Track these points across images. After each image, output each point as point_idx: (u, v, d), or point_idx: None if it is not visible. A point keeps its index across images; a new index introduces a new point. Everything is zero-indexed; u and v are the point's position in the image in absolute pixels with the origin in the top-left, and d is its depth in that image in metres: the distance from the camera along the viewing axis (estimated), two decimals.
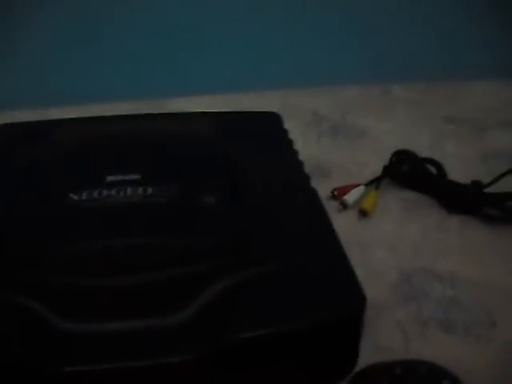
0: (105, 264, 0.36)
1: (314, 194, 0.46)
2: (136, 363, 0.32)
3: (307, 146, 0.57)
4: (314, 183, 0.47)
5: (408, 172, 0.58)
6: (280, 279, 0.36)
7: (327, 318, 0.34)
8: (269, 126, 0.56)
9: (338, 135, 0.70)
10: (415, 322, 0.42)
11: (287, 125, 0.56)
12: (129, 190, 0.41)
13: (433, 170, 0.58)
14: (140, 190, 0.41)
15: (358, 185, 0.58)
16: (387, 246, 0.50)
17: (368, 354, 0.37)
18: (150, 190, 0.41)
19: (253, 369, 0.33)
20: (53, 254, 0.36)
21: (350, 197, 0.56)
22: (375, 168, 0.60)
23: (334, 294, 0.35)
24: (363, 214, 0.55)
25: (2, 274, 0.35)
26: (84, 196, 0.41)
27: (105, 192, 0.41)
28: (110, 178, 0.43)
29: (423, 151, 0.61)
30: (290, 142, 0.53)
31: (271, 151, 0.51)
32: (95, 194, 0.41)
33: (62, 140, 0.50)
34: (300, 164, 0.49)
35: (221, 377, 0.33)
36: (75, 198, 0.41)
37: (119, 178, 0.43)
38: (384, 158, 0.60)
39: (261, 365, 0.34)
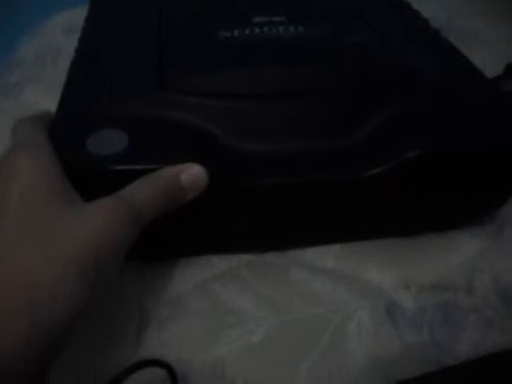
0: (273, 88, 0.36)
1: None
2: (315, 179, 0.33)
3: None
4: None
5: None
6: (445, 103, 0.36)
7: (494, 140, 0.35)
8: None
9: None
10: None
11: None
12: (280, 28, 0.40)
13: None
14: (291, 28, 0.40)
15: None
16: None
17: None
18: (300, 29, 0.40)
19: (419, 188, 0.35)
20: (225, 78, 0.36)
21: None
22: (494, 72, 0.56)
23: (499, 119, 0.36)
24: None
25: (175, 100, 0.35)
26: (236, 33, 0.40)
27: (256, 29, 0.40)
28: (256, 19, 0.42)
29: None
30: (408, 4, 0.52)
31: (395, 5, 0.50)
32: (247, 31, 0.40)
33: None
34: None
35: (396, 194, 0.35)
36: (227, 34, 0.40)
37: (266, 19, 0.42)
38: (503, 63, 0.57)
39: (427, 185, 0.35)
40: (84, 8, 0.49)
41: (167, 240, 0.36)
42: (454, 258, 0.38)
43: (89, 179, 0.32)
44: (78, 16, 0.48)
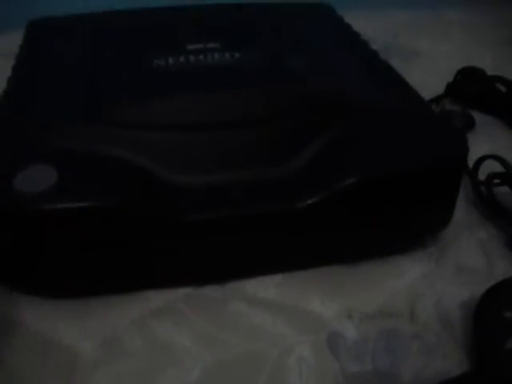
0: (210, 117, 0.35)
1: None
2: (250, 211, 0.32)
3: None
4: None
5: (475, 91, 0.56)
6: (381, 127, 0.36)
7: (431, 162, 0.35)
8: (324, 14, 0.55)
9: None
10: None
11: None
12: (216, 55, 0.40)
13: (502, 89, 0.56)
14: (227, 54, 0.40)
15: None
16: None
17: None
18: (236, 55, 0.40)
19: (358, 214, 0.35)
20: (157, 108, 0.36)
21: None
22: (435, 88, 0.57)
23: (436, 141, 0.36)
24: None
25: (106, 133, 0.34)
26: (170, 61, 0.39)
27: (191, 57, 0.39)
28: (190, 47, 0.41)
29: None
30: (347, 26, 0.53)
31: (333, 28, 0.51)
32: (182, 59, 0.39)
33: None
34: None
35: (335, 222, 0.35)
36: (161, 63, 0.39)
37: (200, 46, 0.41)
38: (444, 79, 0.58)
39: (366, 211, 0.35)
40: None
41: (100, 275, 0.35)
42: (397, 283, 0.37)
43: (14, 220, 0.31)
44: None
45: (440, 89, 0.58)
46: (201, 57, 0.40)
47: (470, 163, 0.44)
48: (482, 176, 0.44)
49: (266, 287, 0.36)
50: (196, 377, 0.31)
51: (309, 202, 0.32)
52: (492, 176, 0.44)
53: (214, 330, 0.34)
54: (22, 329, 0.34)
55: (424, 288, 0.37)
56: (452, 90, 0.57)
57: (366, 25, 0.57)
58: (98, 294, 0.36)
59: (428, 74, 0.61)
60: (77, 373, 0.32)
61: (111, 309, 0.35)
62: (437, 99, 0.57)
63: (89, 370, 0.32)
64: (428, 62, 0.66)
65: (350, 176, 0.33)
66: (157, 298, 0.36)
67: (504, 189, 0.43)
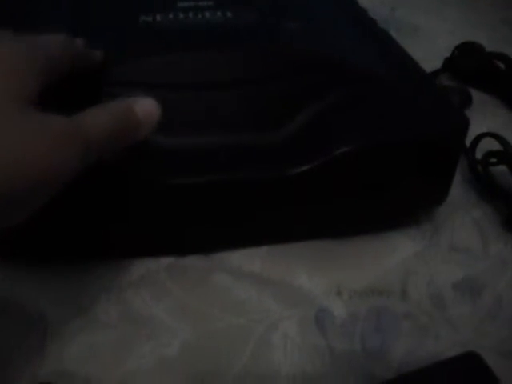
0: (199, 78, 0.33)
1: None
2: (237, 176, 0.31)
3: None
4: None
5: (473, 66, 0.54)
6: (379, 97, 0.34)
7: (430, 136, 0.34)
8: None
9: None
10: None
11: None
12: (207, 14, 0.37)
13: (501, 66, 0.54)
14: (218, 13, 0.38)
15: None
16: None
17: None
18: (228, 14, 0.38)
19: (350, 186, 0.33)
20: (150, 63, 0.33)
21: None
22: (433, 64, 0.55)
23: (436, 114, 0.34)
24: None
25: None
26: (158, 18, 0.36)
27: (180, 14, 0.37)
28: (181, 4, 0.38)
29: None
30: None
31: None
32: (170, 16, 0.37)
33: None
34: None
35: (325, 192, 0.33)
36: (149, 19, 0.36)
37: (192, 3, 0.39)
38: (440, 57, 0.56)
39: (359, 183, 0.33)
40: None
41: (79, 241, 0.33)
42: (389, 260, 0.36)
43: None
44: None
45: (436, 66, 0.56)
46: (191, 14, 0.37)
47: (467, 142, 0.43)
48: (479, 155, 0.43)
49: (252, 260, 0.35)
50: (175, 351, 0.30)
51: (299, 169, 0.30)
52: (489, 154, 0.42)
53: (196, 302, 0.32)
54: None
55: (417, 266, 0.36)
56: (450, 65, 0.55)
57: None
58: (76, 261, 0.34)
59: (426, 51, 0.59)
60: (49, 342, 0.30)
61: (88, 278, 0.33)
62: (434, 74, 0.55)
63: (61, 339, 0.30)
64: (427, 39, 0.63)
65: (342, 145, 0.31)
66: (137, 268, 0.34)
67: (501, 168, 0.42)
